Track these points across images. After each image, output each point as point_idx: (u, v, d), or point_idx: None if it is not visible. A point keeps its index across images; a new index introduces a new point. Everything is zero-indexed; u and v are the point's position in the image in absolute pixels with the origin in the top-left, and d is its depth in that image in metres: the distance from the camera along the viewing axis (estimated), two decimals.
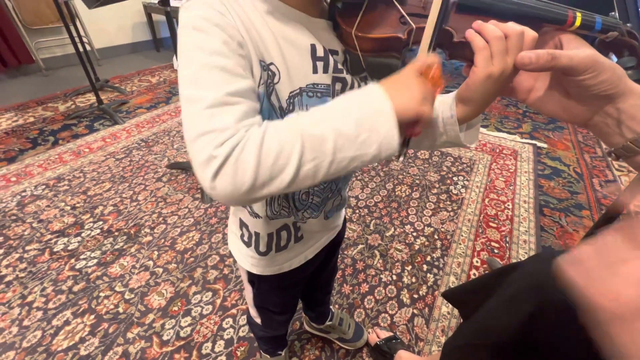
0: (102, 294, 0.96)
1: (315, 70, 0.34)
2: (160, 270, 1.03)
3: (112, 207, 1.28)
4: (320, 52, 0.34)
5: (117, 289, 0.98)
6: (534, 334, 0.43)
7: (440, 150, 1.70)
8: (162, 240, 1.14)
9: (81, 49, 1.83)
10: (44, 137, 1.72)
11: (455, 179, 1.50)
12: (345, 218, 0.62)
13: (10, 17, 2.31)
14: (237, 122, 0.26)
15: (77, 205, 1.28)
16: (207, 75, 0.27)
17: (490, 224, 1.26)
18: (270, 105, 0.33)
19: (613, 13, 0.31)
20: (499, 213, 1.31)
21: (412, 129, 0.30)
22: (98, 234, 1.15)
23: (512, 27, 0.28)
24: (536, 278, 0.46)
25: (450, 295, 0.64)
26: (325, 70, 0.35)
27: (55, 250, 1.09)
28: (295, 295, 0.65)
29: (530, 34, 0.29)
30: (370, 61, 0.34)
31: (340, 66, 0.36)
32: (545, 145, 1.78)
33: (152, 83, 2.48)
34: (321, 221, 0.50)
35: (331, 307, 0.86)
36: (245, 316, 0.91)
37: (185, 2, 0.30)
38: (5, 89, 2.28)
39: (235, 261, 0.55)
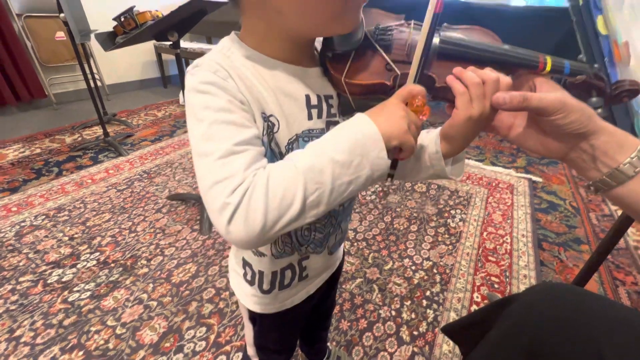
0: (92, 329, 0.93)
1: (310, 117, 0.38)
2: (155, 303, 1.01)
3: (110, 238, 1.27)
4: (314, 101, 0.38)
5: (108, 323, 0.95)
6: None
7: (437, 184, 1.73)
8: (158, 272, 1.13)
9: (92, 85, 1.93)
10: (48, 168, 1.76)
11: (452, 212, 1.51)
12: (344, 250, 0.62)
13: (29, 55, 2.45)
14: (246, 169, 0.29)
15: (76, 235, 1.28)
16: (216, 130, 0.30)
17: (490, 258, 1.25)
18: (272, 151, 0.36)
19: (581, 56, 0.35)
20: (498, 247, 1.31)
21: (399, 153, 0.33)
22: (94, 265, 1.14)
23: (489, 74, 0.31)
24: (533, 311, 0.46)
25: (450, 331, 0.63)
26: (320, 116, 0.38)
27: (49, 281, 1.07)
28: (296, 332, 0.64)
29: (505, 80, 0.32)
30: (360, 103, 0.37)
31: (333, 111, 0.39)
32: (540, 180, 1.81)
33: (158, 117, 2.57)
34: (325, 257, 0.50)
35: (328, 344, 0.84)
36: (239, 354, 0.87)
37: (191, 69, 0.33)
38: (16, 121, 2.36)
39: (231, 295, 0.55)
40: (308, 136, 0.37)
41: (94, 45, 2.49)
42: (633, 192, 0.30)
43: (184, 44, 3.09)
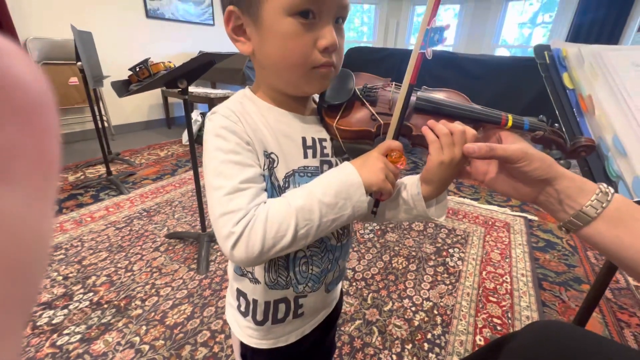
0: None
1: (305, 156, 0.43)
2: (147, 347, 0.97)
3: (105, 278, 1.25)
4: (309, 142, 0.44)
5: None
6: None
7: (433, 222, 1.74)
8: (152, 314, 1.10)
9: (100, 126, 2.01)
10: None
11: (451, 251, 1.51)
12: (342, 290, 0.63)
13: None
14: (249, 203, 0.35)
15: (70, 275, 1.26)
16: (225, 168, 0.37)
17: (490, 298, 1.23)
18: (272, 184, 0.41)
19: (541, 116, 0.40)
20: (498, 287, 1.29)
21: (380, 196, 0.41)
22: (86, 307, 1.11)
23: (456, 126, 0.38)
24: (532, 351, 0.46)
25: None
26: (314, 156, 0.44)
27: (38, 324, 1.04)
28: None
29: (470, 131, 0.38)
30: (349, 146, 0.44)
31: (326, 152, 0.45)
32: (535, 218, 1.83)
33: (161, 156, 2.64)
34: (322, 295, 0.52)
35: None
36: None
37: (210, 115, 0.41)
38: None
39: (227, 338, 0.55)
40: (304, 172, 0.43)
41: (105, 88, 2.63)
42: (597, 231, 0.33)
43: (190, 88, 3.27)
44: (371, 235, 1.61)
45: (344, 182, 0.37)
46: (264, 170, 0.40)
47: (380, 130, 0.41)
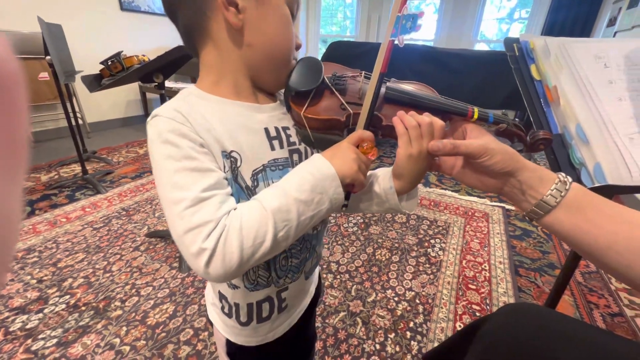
0: None
1: (273, 148, 0.41)
2: (127, 348, 0.95)
3: (83, 279, 1.22)
4: (273, 133, 0.41)
5: None
6: None
7: (416, 214, 1.77)
8: (133, 314, 1.07)
9: (73, 123, 1.93)
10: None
11: (432, 241, 1.55)
12: (320, 275, 0.63)
13: None
14: (216, 213, 0.32)
15: (45, 278, 1.22)
16: (181, 177, 0.33)
17: (470, 285, 1.27)
18: (238, 186, 0.38)
19: (504, 110, 0.41)
20: (477, 274, 1.33)
21: (352, 187, 0.39)
22: (63, 310, 1.08)
23: (424, 118, 0.37)
24: (502, 334, 0.48)
25: (430, 357, 0.64)
26: (282, 146, 0.42)
27: (11, 329, 1.00)
28: None
29: (438, 123, 0.38)
30: (317, 136, 0.42)
31: (292, 139, 0.43)
32: (513, 208, 1.90)
33: (139, 154, 2.57)
34: (302, 283, 0.51)
35: None
36: None
37: (150, 120, 0.36)
38: None
39: (210, 335, 0.54)
40: (274, 165, 0.40)
41: (78, 84, 2.52)
42: (557, 220, 0.34)
43: (169, 83, 3.18)
44: (355, 229, 1.62)
45: (318, 176, 0.35)
46: (225, 172, 0.36)
47: (349, 120, 0.40)
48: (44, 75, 2.53)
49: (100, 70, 1.18)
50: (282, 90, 0.46)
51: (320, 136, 0.42)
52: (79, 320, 1.04)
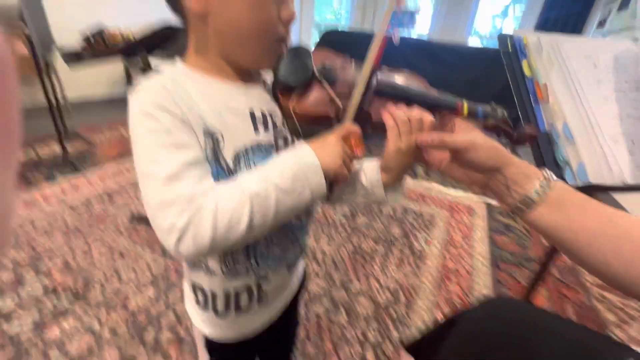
0: None
1: (256, 130, 0.40)
2: (107, 332, 0.94)
3: (61, 262, 1.18)
4: (258, 115, 0.40)
5: (52, 356, 0.86)
6: None
7: (402, 206, 1.79)
8: (114, 299, 1.05)
9: (53, 100, 1.84)
10: None
11: (417, 233, 1.57)
12: (304, 270, 0.63)
13: None
14: (191, 190, 0.31)
15: (20, 260, 1.18)
16: (159, 152, 0.32)
17: (451, 278, 1.30)
18: (219, 166, 0.37)
19: (493, 102, 0.41)
20: (459, 267, 1.37)
21: (336, 179, 0.38)
22: (39, 293, 1.05)
23: (414, 113, 0.37)
24: (479, 327, 0.49)
25: (411, 347, 0.65)
26: (266, 130, 0.41)
27: None
28: (261, 357, 0.62)
29: (427, 118, 0.38)
30: (305, 129, 0.41)
31: (278, 124, 0.42)
32: (496, 203, 1.94)
33: (124, 135, 2.49)
34: (284, 275, 0.50)
35: None
36: None
37: (134, 93, 0.35)
38: None
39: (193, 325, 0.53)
40: (257, 148, 0.40)
41: (57, 57, 2.41)
42: (540, 215, 0.35)
43: (155, 62, 3.07)
44: (343, 220, 1.63)
45: (302, 166, 0.35)
46: (207, 152, 0.36)
47: (338, 113, 0.40)
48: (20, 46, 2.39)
49: (81, 47, 1.12)
50: (270, 78, 0.45)
51: (308, 129, 0.41)
52: (56, 304, 1.02)
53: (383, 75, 0.42)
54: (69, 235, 1.33)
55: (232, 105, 0.39)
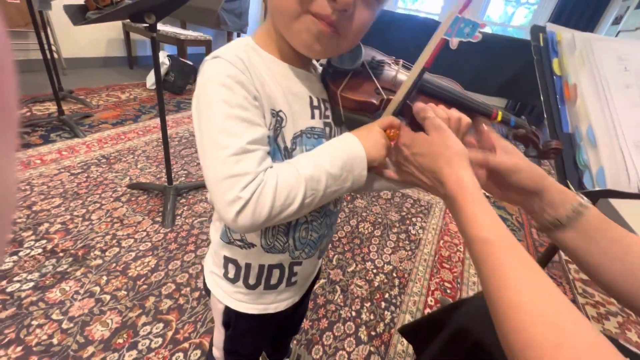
0: (34, 322, 0.86)
1: (313, 116, 0.42)
2: (108, 297, 0.96)
3: (60, 225, 1.18)
4: (315, 102, 0.42)
5: (53, 317, 0.88)
6: None
7: (401, 192, 1.81)
8: (114, 265, 1.06)
9: (48, 57, 1.76)
10: None
11: (414, 220, 1.60)
12: (321, 262, 0.64)
13: None
14: (257, 167, 0.32)
15: (18, 220, 1.17)
16: (231, 124, 0.33)
17: (444, 264, 1.34)
18: (277, 145, 0.38)
19: (523, 117, 0.42)
20: (452, 255, 1.40)
21: (374, 169, 0.41)
22: (39, 254, 1.05)
23: (454, 113, 0.39)
24: (477, 316, 0.51)
25: (406, 331, 0.68)
26: (320, 117, 0.42)
27: None
28: (269, 337, 0.64)
29: (465, 119, 0.39)
30: (348, 116, 0.43)
31: (327, 113, 0.44)
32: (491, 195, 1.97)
33: (121, 99, 2.42)
34: (314, 262, 0.52)
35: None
36: (197, 351, 0.86)
37: (211, 59, 0.35)
38: None
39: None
40: (311, 133, 0.41)
41: (54, 13, 2.28)
42: (567, 238, 0.37)
43: (158, 25, 2.93)
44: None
45: (350, 155, 0.37)
46: (269, 130, 0.37)
47: (382, 104, 0.41)
48: None
49: (85, 1, 1.06)
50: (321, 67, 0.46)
51: (351, 116, 0.43)
52: (56, 266, 1.02)
53: (427, 76, 0.43)
54: (68, 199, 1.31)
55: (296, 90, 0.40)
